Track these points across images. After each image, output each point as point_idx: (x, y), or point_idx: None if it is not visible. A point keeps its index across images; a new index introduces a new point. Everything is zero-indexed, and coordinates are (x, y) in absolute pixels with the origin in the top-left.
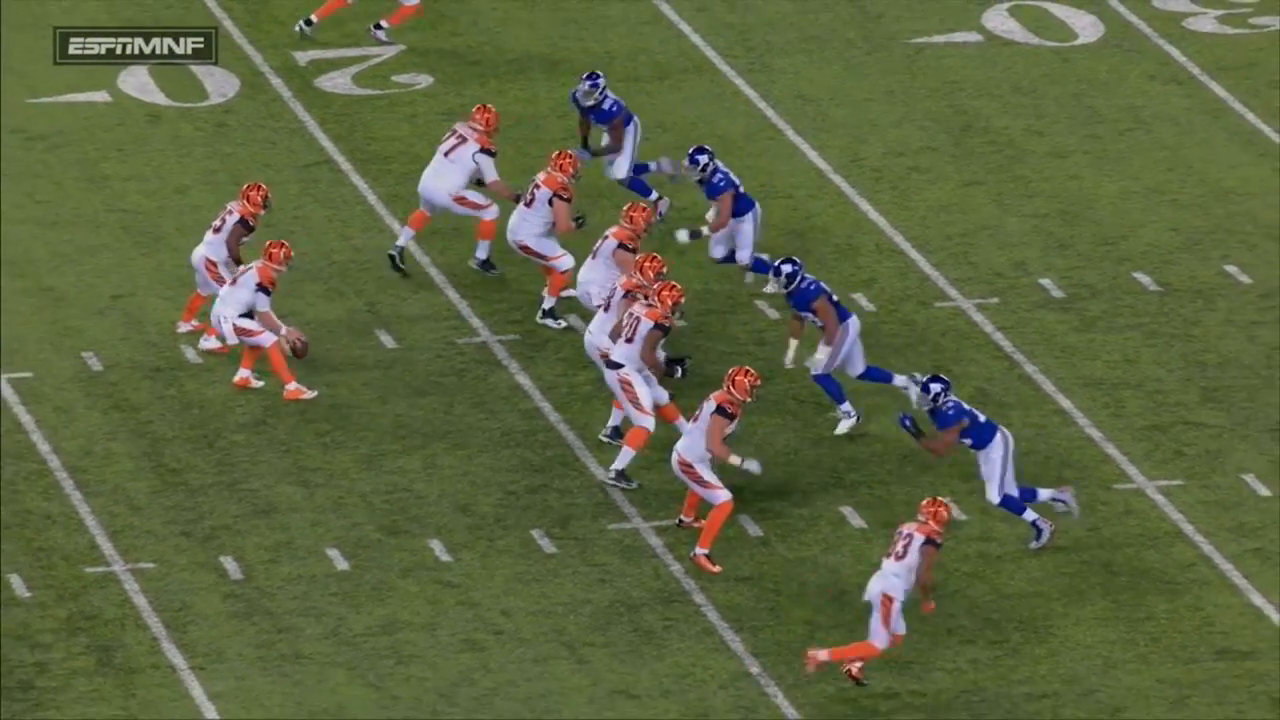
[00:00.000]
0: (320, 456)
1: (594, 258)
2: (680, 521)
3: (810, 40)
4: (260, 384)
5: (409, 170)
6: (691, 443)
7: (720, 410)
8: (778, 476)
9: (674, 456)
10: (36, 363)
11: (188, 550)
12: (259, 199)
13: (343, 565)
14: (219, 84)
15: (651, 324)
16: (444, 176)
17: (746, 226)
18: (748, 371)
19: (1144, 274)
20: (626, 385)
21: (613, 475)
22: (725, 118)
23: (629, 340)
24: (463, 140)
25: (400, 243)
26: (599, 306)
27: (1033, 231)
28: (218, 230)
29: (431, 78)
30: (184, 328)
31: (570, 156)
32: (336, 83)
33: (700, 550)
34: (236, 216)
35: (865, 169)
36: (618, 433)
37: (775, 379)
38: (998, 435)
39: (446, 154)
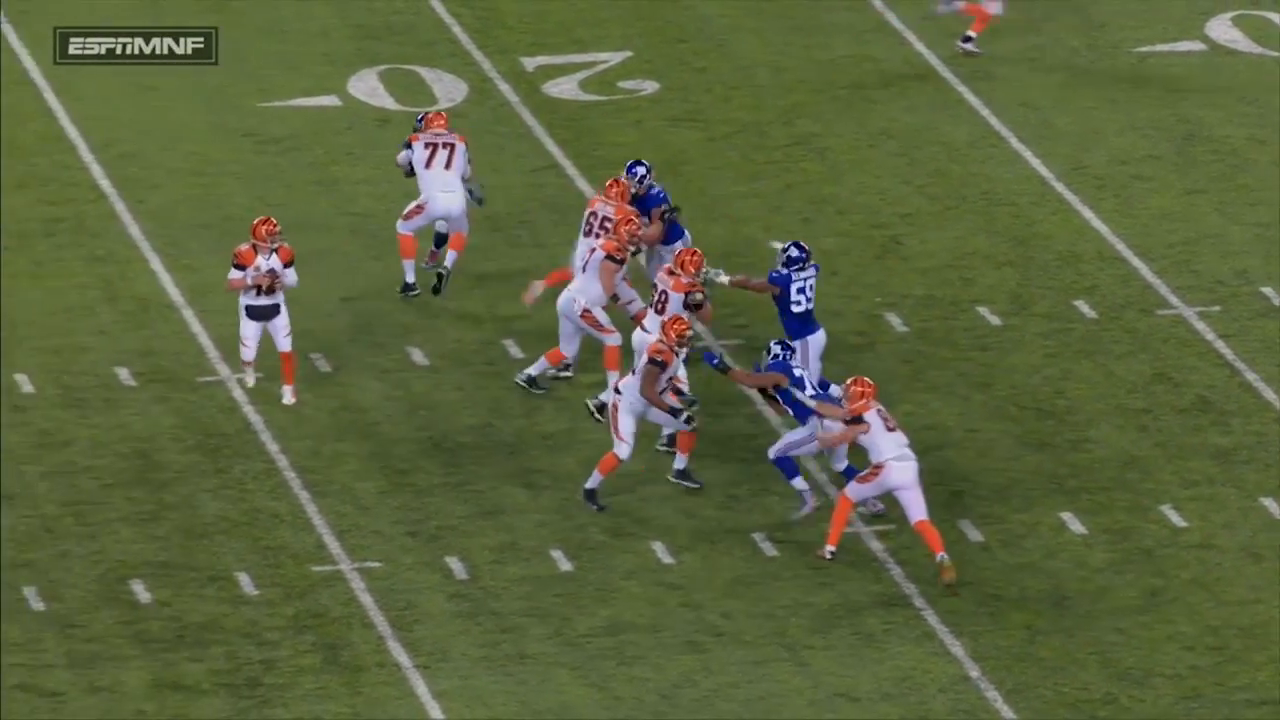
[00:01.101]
0: (546, 458)
1: (584, 271)
2: (944, 561)
3: (1034, 48)
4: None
5: None
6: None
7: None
8: (998, 482)
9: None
10: (266, 364)
11: (414, 550)
12: (617, 194)
13: (567, 566)
14: (447, 89)
15: (645, 359)
16: (456, 189)
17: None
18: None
19: None
20: (613, 411)
21: (584, 496)
22: (949, 125)
23: (634, 371)
24: (451, 147)
25: (448, 264)
26: (649, 307)
27: (1255, 240)
28: (590, 234)
29: (657, 84)
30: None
31: (623, 184)
32: (563, 88)
33: (944, 559)
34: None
35: (1088, 177)
36: (671, 440)
37: (996, 385)
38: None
39: (447, 166)
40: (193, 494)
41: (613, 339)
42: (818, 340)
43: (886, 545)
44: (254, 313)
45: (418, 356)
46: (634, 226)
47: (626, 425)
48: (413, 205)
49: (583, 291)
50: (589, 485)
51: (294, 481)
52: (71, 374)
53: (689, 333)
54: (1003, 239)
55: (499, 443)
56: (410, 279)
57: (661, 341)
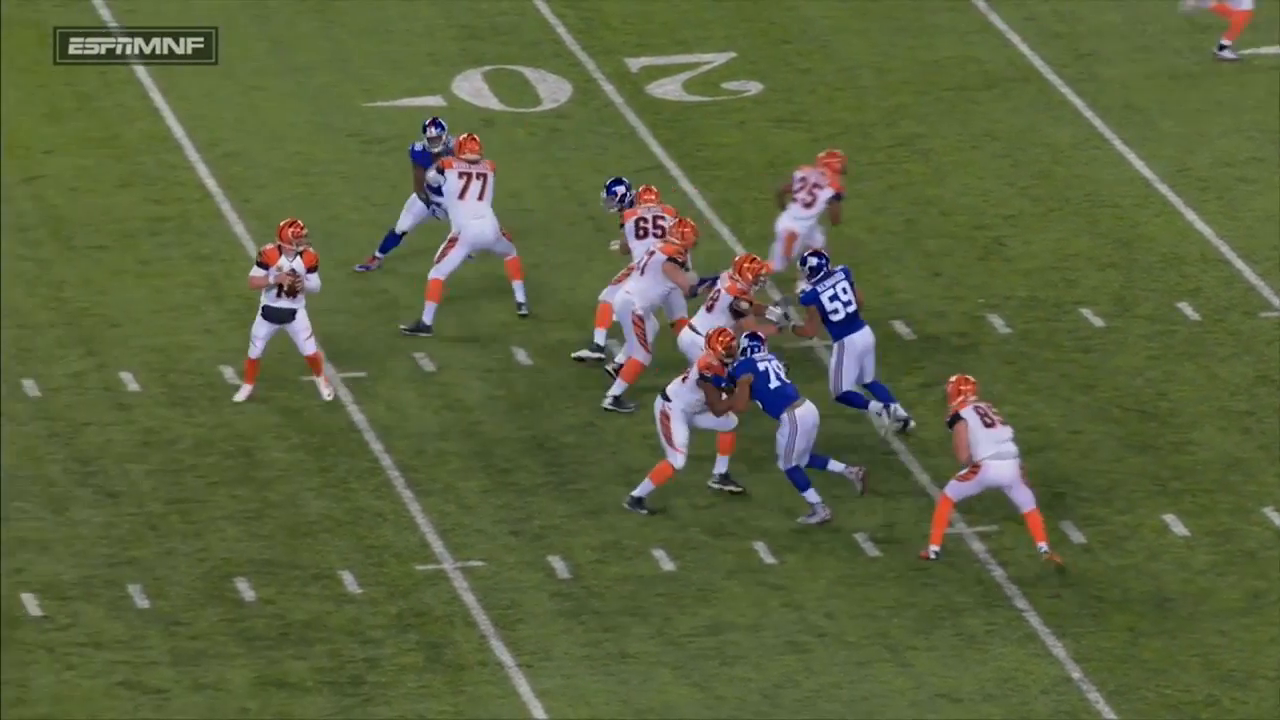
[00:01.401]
0: (648, 458)
1: (641, 274)
2: (1045, 553)
3: (1138, 50)
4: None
5: (738, 176)
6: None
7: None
8: (1100, 483)
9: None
10: (370, 363)
11: (517, 549)
12: (839, 165)
13: (669, 566)
14: (552, 89)
15: (697, 374)
16: (486, 215)
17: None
18: (964, 378)
19: None
20: (664, 419)
21: (628, 502)
22: (1052, 126)
23: (684, 379)
24: (484, 178)
25: (521, 299)
26: (704, 306)
27: None
28: (809, 206)
29: (761, 85)
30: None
31: (691, 225)
32: (667, 89)
33: (1045, 548)
34: (829, 193)
35: (1192, 179)
36: (618, 400)
37: (1099, 387)
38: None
39: (480, 197)
40: (296, 492)
41: (643, 355)
42: (859, 339)
43: (988, 546)
44: (270, 314)
45: (521, 356)
46: (690, 229)
47: (680, 434)
48: (444, 243)
49: (641, 295)
50: (637, 493)
51: (397, 480)
52: (177, 372)
53: (735, 344)
54: (1106, 241)
55: (601, 442)
56: (428, 320)
57: (709, 354)
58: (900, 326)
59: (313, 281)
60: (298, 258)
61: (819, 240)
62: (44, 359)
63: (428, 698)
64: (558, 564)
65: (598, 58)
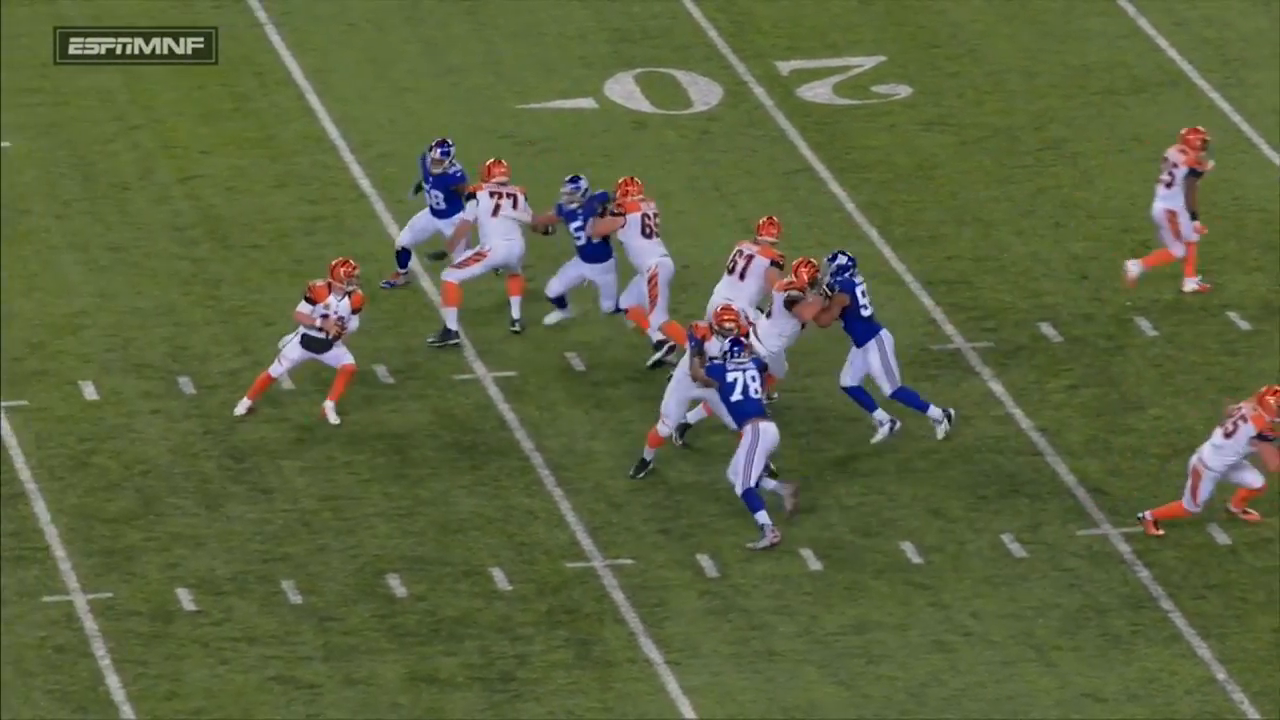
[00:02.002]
0: (795, 459)
1: (741, 279)
2: (1229, 509)
3: None
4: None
5: (887, 179)
6: (1220, 456)
7: (1261, 437)
8: None
9: (1199, 458)
10: (521, 362)
11: (665, 547)
12: (1198, 143)
13: (815, 565)
14: (703, 92)
15: (688, 338)
16: (515, 237)
17: (610, 278)
18: (1276, 391)
19: None
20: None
21: (635, 470)
22: None
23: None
24: (514, 196)
25: (517, 315)
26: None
27: None
28: (1169, 185)
29: (910, 88)
30: (1134, 271)
31: (777, 223)
32: (817, 92)
33: (1149, 515)
34: (1184, 170)
35: None
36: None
37: (1245, 390)
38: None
39: (516, 209)
40: (448, 490)
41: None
42: (889, 338)
43: (1134, 547)
44: (308, 343)
45: (671, 357)
46: (780, 227)
47: (670, 404)
48: (470, 253)
49: (748, 301)
50: (645, 457)
51: (548, 479)
52: (329, 370)
53: (726, 321)
54: (1253, 244)
55: None
56: (452, 326)
57: (709, 324)
58: (1047, 329)
59: (353, 324)
60: (345, 298)
61: (1186, 222)
62: (199, 356)
63: (577, 694)
64: (706, 562)
65: (748, 61)
